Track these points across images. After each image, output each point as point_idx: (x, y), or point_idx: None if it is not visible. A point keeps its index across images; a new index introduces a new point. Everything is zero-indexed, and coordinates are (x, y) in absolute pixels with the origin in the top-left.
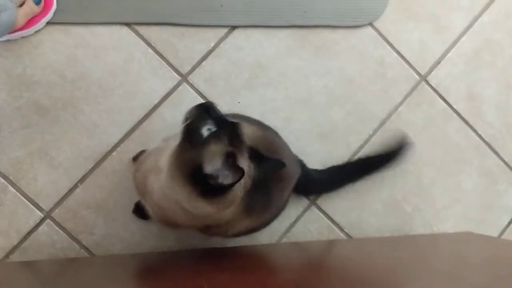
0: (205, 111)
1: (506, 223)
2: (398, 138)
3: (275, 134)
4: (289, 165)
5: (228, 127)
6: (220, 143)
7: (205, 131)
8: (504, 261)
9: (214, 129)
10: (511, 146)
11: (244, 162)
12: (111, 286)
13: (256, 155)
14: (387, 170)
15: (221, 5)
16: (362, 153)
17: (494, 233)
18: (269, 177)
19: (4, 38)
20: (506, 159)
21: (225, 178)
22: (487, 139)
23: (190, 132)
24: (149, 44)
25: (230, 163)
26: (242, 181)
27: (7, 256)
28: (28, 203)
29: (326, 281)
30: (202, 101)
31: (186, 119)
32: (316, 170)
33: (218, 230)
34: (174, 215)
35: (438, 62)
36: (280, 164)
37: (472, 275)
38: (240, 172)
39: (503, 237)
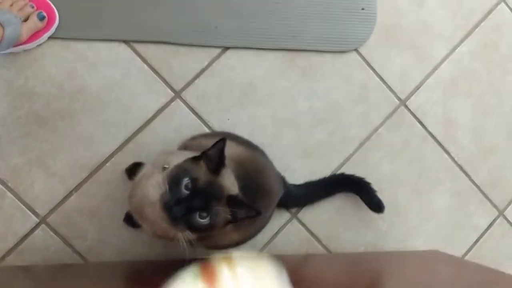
0: (168, 208)
1: (473, 241)
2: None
3: (262, 153)
4: (273, 184)
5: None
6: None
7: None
8: (466, 282)
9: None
10: (483, 169)
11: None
12: None
13: (234, 200)
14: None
15: (216, 27)
16: (341, 171)
17: (462, 250)
18: (256, 194)
19: (7, 51)
20: (477, 182)
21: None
22: (459, 162)
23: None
24: (145, 61)
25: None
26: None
27: (3, 258)
28: (25, 208)
29: None
30: (195, 118)
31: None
32: (294, 185)
33: (208, 242)
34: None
35: (417, 88)
36: (254, 212)
37: None
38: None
39: (470, 253)
